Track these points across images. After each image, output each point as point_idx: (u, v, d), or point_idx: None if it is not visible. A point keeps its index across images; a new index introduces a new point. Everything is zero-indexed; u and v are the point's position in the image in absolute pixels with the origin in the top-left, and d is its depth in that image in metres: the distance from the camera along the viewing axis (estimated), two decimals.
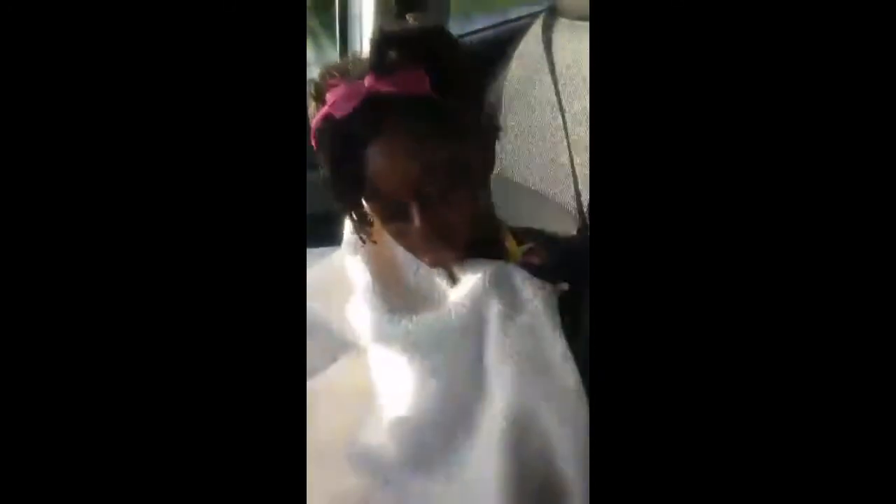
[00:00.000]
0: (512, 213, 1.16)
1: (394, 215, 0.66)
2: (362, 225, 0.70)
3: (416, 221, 0.64)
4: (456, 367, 0.65)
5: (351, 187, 0.65)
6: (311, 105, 0.66)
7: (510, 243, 0.74)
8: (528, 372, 0.61)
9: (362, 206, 0.68)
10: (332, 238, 0.79)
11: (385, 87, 0.61)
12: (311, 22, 1.50)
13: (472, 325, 0.65)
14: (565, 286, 0.65)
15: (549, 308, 0.64)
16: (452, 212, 0.65)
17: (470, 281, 0.67)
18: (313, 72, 0.69)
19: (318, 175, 0.66)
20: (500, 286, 0.66)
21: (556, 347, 0.62)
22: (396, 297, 0.71)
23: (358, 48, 1.24)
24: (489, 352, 0.64)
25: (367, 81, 0.62)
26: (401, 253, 0.73)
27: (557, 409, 0.59)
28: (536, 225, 0.82)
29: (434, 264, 0.71)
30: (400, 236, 0.69)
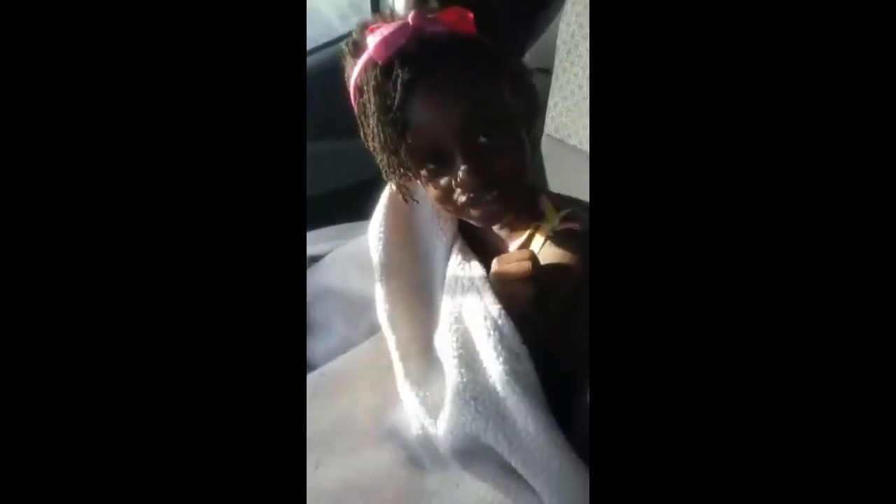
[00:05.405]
0: (565, 175, 1.09)
1: (438, 171, 0.63)
2: (405, 185, 0.68)
3: (462, 172, 0.60)
4: None
5: (395, 142, 0.61)
6: (349, 63, 0.64)
7: (547, 207, 0.70)
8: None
9: (406, 164, 0.64)
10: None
11: (431, 26, 0.59)
12: None
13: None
14: None
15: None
16: (498, 159, 0.62)
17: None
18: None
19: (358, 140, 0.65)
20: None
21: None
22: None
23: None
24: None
25: (412, 20, 0.59)
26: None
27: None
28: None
29: (483, 220, 0.67)
30: (445, 199, 0.65)
